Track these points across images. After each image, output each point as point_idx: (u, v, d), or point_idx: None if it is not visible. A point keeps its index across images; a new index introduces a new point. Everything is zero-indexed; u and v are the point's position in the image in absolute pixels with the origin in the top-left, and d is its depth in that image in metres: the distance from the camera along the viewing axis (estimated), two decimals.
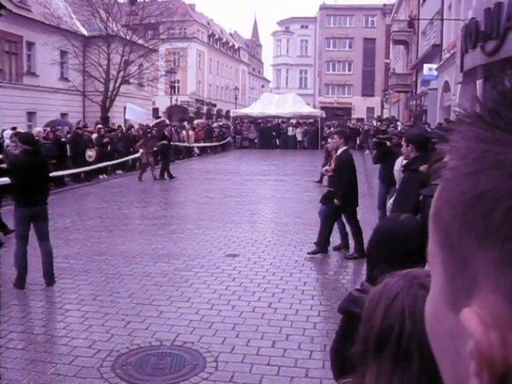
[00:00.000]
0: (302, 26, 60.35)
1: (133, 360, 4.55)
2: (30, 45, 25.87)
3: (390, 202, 6.56)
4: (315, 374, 4.32)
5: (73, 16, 29.28)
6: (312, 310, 5.83)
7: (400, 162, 6.47)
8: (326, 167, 8.43)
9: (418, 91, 30.10)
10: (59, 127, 20.00)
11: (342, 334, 2.06)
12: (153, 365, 4.50)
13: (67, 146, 16.74)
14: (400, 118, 37.79)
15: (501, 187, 0.35)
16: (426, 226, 0.44)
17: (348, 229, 8.08)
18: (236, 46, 66.55)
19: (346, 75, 57.11)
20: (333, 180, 8.04)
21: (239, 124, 36.34)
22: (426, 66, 24.86)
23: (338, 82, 57.07)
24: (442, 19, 22.79)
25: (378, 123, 34.73)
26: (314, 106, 46.18)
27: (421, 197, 4.45)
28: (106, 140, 18.72)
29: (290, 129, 34.62)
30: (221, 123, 38.39)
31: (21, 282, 6.39)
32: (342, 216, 8.02)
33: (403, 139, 5.74)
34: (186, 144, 26.63)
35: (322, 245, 7.85)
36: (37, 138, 9.73)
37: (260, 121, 36.07)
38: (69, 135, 18.17)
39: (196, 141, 28.51)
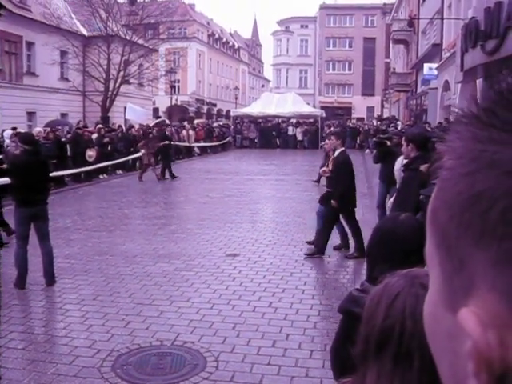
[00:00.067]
0: (301, 26, 60.30)
1: (133, 360, 4.56)
2: (30, 45, 25.87)
3: (390, 201, 6.57)
4: (315, 373, 4.32)
5: (73, 16, 29.27)
6: (312, 309, 5.83)
7: (400, 161, 6.47)
8: (324, 168, 8.41)
9: (418, 90, 30.10)
10: (59, 127, 20.02)
11: (342, 334, 2.05)
12: (153, 365, 4.50)
13: (67, 146, 16.75)
14: (400, 117, 37.79)
15: (497, 187, 0.35)
16: (426, 225, 0.44)
17: (347, 228, 8.08)
18: (236, 46, 66.54)
19: (346, 75, 57.08)
20: (331, 181, 8.04)
21: (239, 124, 36.34)
22: (426, 66, 24.85)
23: (338, 81, 57.05)
24: (442, 18, 22.79)
25: (378, 123, 34.76)
26: (314, 106, 46.16)
27: (421, 196, 4.45)
28: (106, 140, 18.72)
29: (290, 128, 34.62)
30: (221, 123, 38.42)
31: (21, 282, 6.40)
32: (340, 217, 8.02)
33: (403, 139, 5.73)
34: (187, 144, 26.63)
35: (320, 247, 7.83)
36: (37, 138, 9.74)
37: (260, 120, 36.07)
38: (69, 135, 18.18)
39: (196, 140, 28.52)
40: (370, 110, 54.91)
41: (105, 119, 25.47)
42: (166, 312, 5.66)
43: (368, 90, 56.36)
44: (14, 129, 15.13)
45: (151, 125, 21.46)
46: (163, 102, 43.85)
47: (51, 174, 8.48)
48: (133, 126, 22.11)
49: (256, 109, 35.89)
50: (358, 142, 32.32)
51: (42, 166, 6.74)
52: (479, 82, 15.76)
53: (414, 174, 4.98)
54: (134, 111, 23.10)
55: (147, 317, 5.51)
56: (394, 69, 42.16)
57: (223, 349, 4.77)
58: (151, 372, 4.39)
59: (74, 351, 4.70)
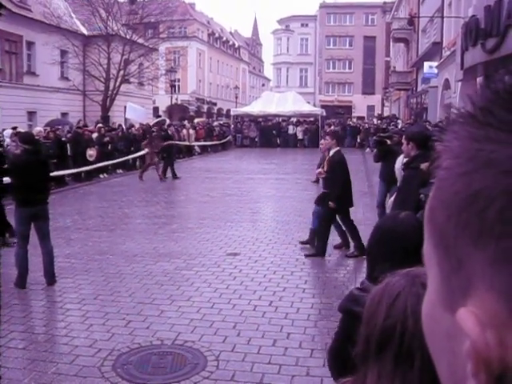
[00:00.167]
0: (302, 25, 60.30)
1: (134, 359, 4.56)
2: (30, 44, 25.86)
3: (390, 200, 6.56)
4: (316, 372, 4.32)
5: (73, 15, 29.27)
6: (313, 308, 5.83)
7: (401, 160, 6.46)
8: (319, 169, 8.38)
9: (419, 89, 30.08)
10: (59, 127, 19.97)
11: (342, 333, 2.05)
12: (154, 364, 4.50)
13: (68, 145, 16.75)
14: (400, 116, 37.77)
15: (494, 186, 0.34)
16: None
17: (344, 228, 8.07)
18: (236, 45, 66.51)
19: (346, 73, 57.08)
20: (327, 181, 8.03)
21: (240, 123, 36.34)
22: (426, 64, 24.84)
23: (339, 80, 57.05)
24: (442, 17, 22.78)
25: (379, 121, 34.70)
26: (315, 105, 46.13)
27: (421, 195, 4.45)
28: (106, 139, 18.73)
29: (291, 127, 34.61)
30: (221, 122, 38.39)
31: (22, 282, 6.40)
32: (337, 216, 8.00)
33: (404, 137, 5.72)
34: (187, 143, 26.62)
35: (320, 249, 7.81)
36: (37, 137, 9.74)
37: (260, 119, 36.06)
38: (69, 135, 18.17)
39: (197, 140, 28.52)
40: (371, 108, 54.89)
41: (105, 118, 25.46)
42: (166, 311, 5.66)
43: (368, 88, 56.37)
44: (14, 128, 15.11)
45: (151, 124, 21.45)
46: (163, 101, 43.84)
47: (51, 174, 8.47)
48: (133, 126, 22.13)
49: (256, 108, 35.88)
50: (359, 140, 32.32)
51: (43, 166, 6.74)
52: (479, 81, 15.74)
53: (415, 172, 4.97)
54: (134, 110, 23.08)
55: (148, 316, 5.51)
56: (395, 67, 42.17)
57: (224, 348, 4.77)
58: (152, 371, 4.39)
59: (75, 350, 4.70)
